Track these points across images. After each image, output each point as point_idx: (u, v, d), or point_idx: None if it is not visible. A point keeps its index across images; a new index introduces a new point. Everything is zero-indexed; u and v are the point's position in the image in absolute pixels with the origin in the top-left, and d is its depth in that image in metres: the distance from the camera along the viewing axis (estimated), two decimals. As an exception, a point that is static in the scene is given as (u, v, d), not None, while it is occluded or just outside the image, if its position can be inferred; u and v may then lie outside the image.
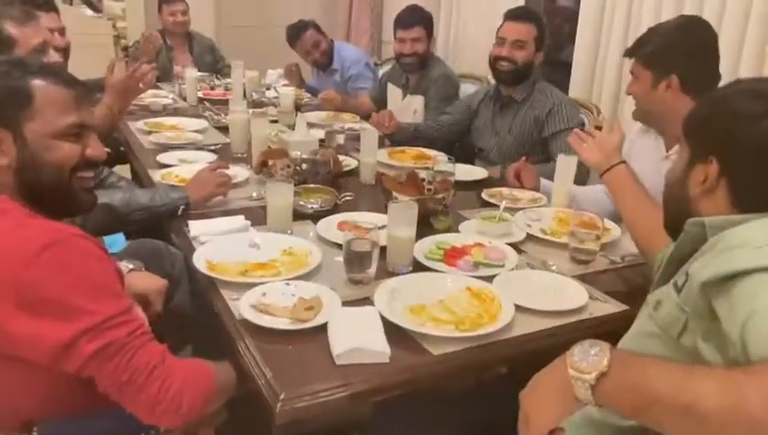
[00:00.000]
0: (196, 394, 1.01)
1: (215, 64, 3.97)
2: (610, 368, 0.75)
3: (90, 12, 5.86)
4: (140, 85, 2.09)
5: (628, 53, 1.72)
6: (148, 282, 1.34)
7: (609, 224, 1.59)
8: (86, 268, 0.96)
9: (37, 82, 1.02)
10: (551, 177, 1.92)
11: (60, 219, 1.07)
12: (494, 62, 2.35)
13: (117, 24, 6.93)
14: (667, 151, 1.71)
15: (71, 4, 6.22)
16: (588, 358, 0.78)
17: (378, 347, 1.07)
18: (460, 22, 3.53)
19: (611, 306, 1.30)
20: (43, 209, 1.04)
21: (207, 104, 2.89)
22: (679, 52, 1.61)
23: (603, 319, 1.26)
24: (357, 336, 1.08)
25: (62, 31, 2.15)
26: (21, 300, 0.92)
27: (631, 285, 1.43)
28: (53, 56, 1.71)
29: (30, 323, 0.92)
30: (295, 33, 3.50)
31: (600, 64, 2.69)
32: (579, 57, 2.78)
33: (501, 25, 2.36)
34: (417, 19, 2.81)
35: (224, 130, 2.52)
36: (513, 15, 2.35)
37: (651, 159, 1.75)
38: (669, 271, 0.94)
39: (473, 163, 2.57)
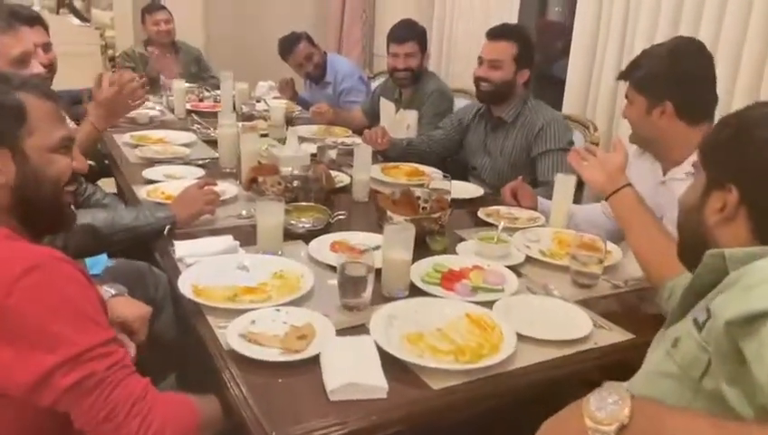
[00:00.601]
0: (177, 432, 0.94)
1: (200, 75, 3.91)
2: (632, 419, 0.69)
3: (77, 21, 5.79)
4: (130, 102, 2.02)
5: (622, 76, 1.68)
6: (132, 309, 1.27)
7: (610, 246, 1.54)
8: (67, 295, 0.91)
9: (26, 97, 1.00)
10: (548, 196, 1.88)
11: (47, 235, 1.05)
12: (474, 82, 2.31)
13: (105, 34, 6.86)
14: (664, 175, 1.67)
15: (57, 13, 6.15)
16: (606, 407, 0.72)
17: (375, 382, 1.01)
18: (453, 36, 3.50)
19: (617, 335, 1.25)
20: (31, 227, 1.01)
21: (196, 117, 2.82)
22: (672, 78, 1.56)
23: (609, 349, 1.21)
24: (352, 370, 1.02)
25: (46, 46, 2.06)
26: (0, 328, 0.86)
27: (636, 312, 1.38)
28: (36, 67, 1.64)
29: (5, 352, 0.86)
30: (288, 45, 3.45)
31: (594, 81, 2.65)
32: (573, 73, 2.74)
33: (482, 45, 2.32)
34: (410, 34, 2.76)
35: (212, 143, 2.45)
36: (490, 34, 2.30)
37: (648, 182, 1.70)
38: (686, 304, 0.89)
39: (466, 180, 2.53)
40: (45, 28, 2.06)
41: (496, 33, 2.28)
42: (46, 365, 0.86)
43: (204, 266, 1.38)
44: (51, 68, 2.03)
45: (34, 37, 1.99)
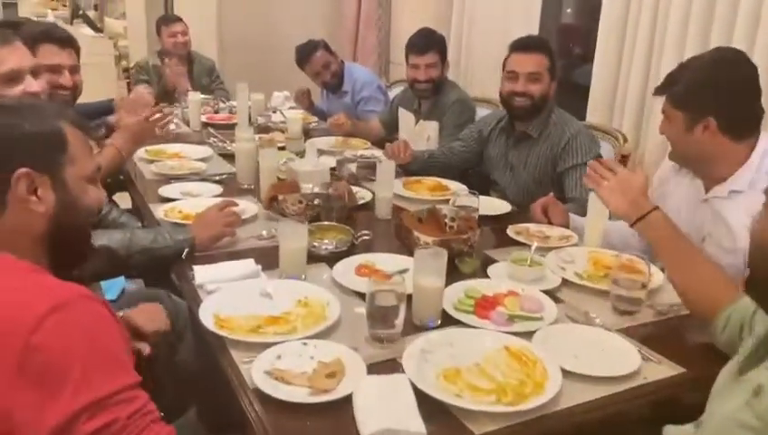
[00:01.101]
0: None
1: (210, 86, 3.86)
2: None
3: (90, 31, 5.79)
4: (156, 131, 1.98)
5: (658, 91, 1.57)
6: (148, 323, 1.24)
7: (652, 268, 1.45)
8: (93, 335, 0.87)
9: (66, 126, 0.99)
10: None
11: (74, 268, 1.03)
12: (507, 98, 2.17)
13: (118, 43, 6.87)
14: (706, 193, 1.58)
15: (71, 23, 6.16)
16: None
17: (413, 427, 0.93)
18: (471, 43, 3.43)
19: (667, 368, 1.16)
20: (57, 258, 0.99)
21: (212, 130, 2.76)
22: (714, 92, 1.46)
23: (659, 384, 1.13)
24: (389, 413, 0.94)
25: (73, 69, 2.05)
26: (23, 369, 0.81)
27: (684, 341, 1.29)
28: (32, 86, 1.57)
29: (30, 394, 0.81)
30: (305, 53, 3.38)
31: (621, 87, 2.56)
32: (597, 80, 2.66)
33: (508, 57, 2.19)
34: (430, 44, 2.68)
35: (229, 157, 2.39)
36: (522, 47, 2.17)
37: (688, 200, 1.62)
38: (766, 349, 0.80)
39: (488, 194, 2.45)
40: (77, 51, 2.06)
41: (530, 46, 2.17)
42: (70, 409, 0.81)
43: (225, 294, 1.31)
44: (75, 90, 2.05)
45: (64, 59, 2.00)
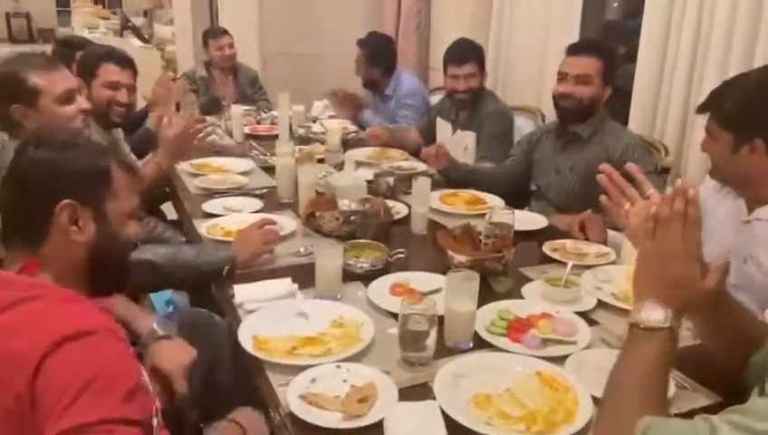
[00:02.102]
0: None
1: (253, 96, 3.95)
2: None
3: (139, 42, 5.99)
4: (195, 142, 2.07)
5: (702, 109, 1.53)
6: (172, 358, 1.26)
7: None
8: (100, 366, 0.86)
9: (112, 163, 1.06)
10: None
11: (110, 294, 1.11)
12: (556, 99, 2.21)
13: (166, 48, 7.10)
14: (749, 214, 1.54)
15: (121, 35, 6.40)
16: None
17: (441, 457, 0.95)
18: (510, 51, 3.41)
19: (702, 397, 1.15)
20: (94, 285, 1.04)
21: (254, 143, 2.83)
22: (763, 113, 1.42)
23: (694, 414, 1.11)
24: (418, 442, 0.97)
25: (131, 88, 2.22)
26: (34, 386, 0.83)
27: (719, 368, 1.26)
28: (83, 103, 1.69)
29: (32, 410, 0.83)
30: (361, 42, 3.47)
31: (663, 97, 2.51)
32: (639, 88, 2.60)
33: (563, 60, 2.22)
34: (469, 54, 2.69)
35: (270, 170, 2.45)
36: (574, 49, 2.20)
37: (730, 219, 1.59)
38: None
39: (528, 202, 2.44)
40: (134, 72, 2.20)
41: (581, 48, 2.20)
42: (58, 428, 0.81)
43: (264, 314, 1.36)
44: (129, 108, 2.21)
45: (122, 78, 2.18)
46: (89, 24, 6.93)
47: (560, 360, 1.22)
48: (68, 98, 1.67)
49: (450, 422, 1.03)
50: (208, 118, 3.49)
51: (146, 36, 6.44)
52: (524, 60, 3.31)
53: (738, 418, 0.76)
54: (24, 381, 0.82)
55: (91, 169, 1.02)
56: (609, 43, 3.37)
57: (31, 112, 1.62)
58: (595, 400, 1.09)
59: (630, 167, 1.13)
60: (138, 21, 10.31)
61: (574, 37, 3.01)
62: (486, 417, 1.06)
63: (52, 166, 1.00)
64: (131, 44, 5.64)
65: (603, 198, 1.19)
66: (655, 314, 0.87)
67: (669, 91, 2.45)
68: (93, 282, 1.05)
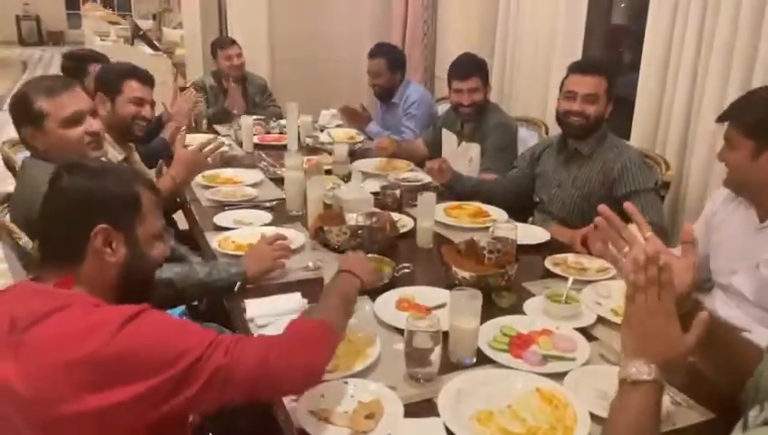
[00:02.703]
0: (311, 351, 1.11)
1: (263, 103, 4.01)
2: None
3: (149, 50, 6.08)
4: (209, 160, 2.14)
5: (724, 117, 1.59)
6: None
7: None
8: (169, 325, 1.03)
9: (141, 189, 1.14)
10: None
11: None
12: (563, 116, 2.24)
13: (175, 52, 7.19)
14: (761, 222, 1.59)
15: (132, 44, 6.49)
16: None
17: (444, 473, 1.00)
18: (515, 61, 3.46)
19: (697, 414, 1.19)
20: (123, 302, 1.08)
21: (263, 154, 2.89)
22: None
23: (689, 431, 1.16)
24: (422, 458, 1.02)
25: (152, 103, 2.34)
26: (102, 377, 0.93)
27: (714, 386, 1.30)
28: (92, 125, 1.73)
29: (132, 389, 0.94)
30: (371, 53, 3.51)
31: (665, 112, 2.54)
32: (641, 102, 2.63)
33: (566, 78, 2.26)
34: (473, 69, 2.74)
35: (279, 181, 2.51)
36: (581, 68, 2.24)
37: (742, 228, 1.64)
38: None
39: (531, 213, 2.48)
40: (153, 87, 2.33)
41: (589, 68, 2.24)
42: (178, 368, 0.96)
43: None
44: (150, 122, 2.33)
45: (145, 94, 2.28)
46: (99, 32, 7.02)
47: (559, 376, 1.27)
48: (75, 120, 1.70)
49: (453, 438, 1.08)
50: (218, 127, 3.60)
51: (155, 42, 6.51)
52: (529, 71, 3.36)
53: None
54: (103, 373, 0.93)
55: (123, 196, 1.11)
56: (613, 50, 3.44)
57: (38, 134, 1.67)
58: (593, 416, 1.14)
59: (629, 208, 1.14)
60: (146, 24, 10.42)
61: (578, 49, 3.06)
62: (489, 433, 1.11)
63: (87, 193, 1.09)
64: (142, 52, 5.72)
65: (598, 245, 1.20)
66: (641, 370, 0.94)
67: (671, 105, 2.49)
68: (121, 297, 1.11)
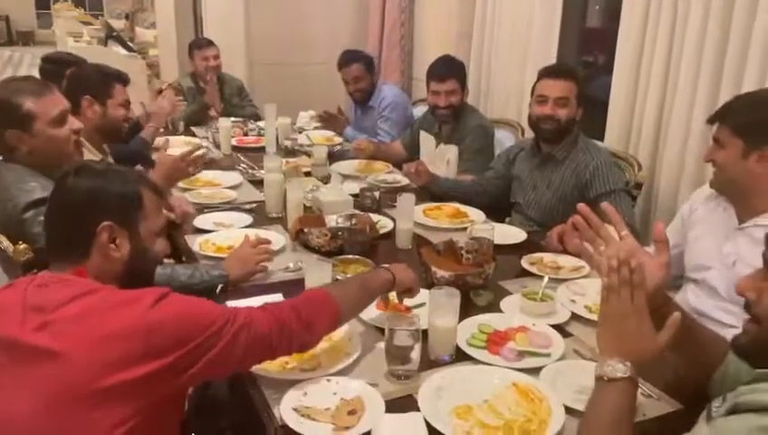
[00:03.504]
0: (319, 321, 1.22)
1: (240, 104, 4.01)
2: None
3: (123, 51, 6.01)
4: (190, 169, 2.14)
5: (715, 118, 1.63)
6: None
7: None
8: (194, 302, 1.11)
9: (143, 189, 1.19)
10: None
11: None
12: (536, 121, 2.29)
13: (149, 52, 7.12)
14: (740, 223, 1.65)
15: (105, 45, 6.41)
16: None
17: (425, 465, 1.03)
18: (491, 71, 3.52)
19: (665, 405, 1.24)
20: None
21: (241, 157, 2.90)
22: None
23: (657, 421, 1.20)
24: (403, 452, 1.05)
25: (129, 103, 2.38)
26: (136, 350, 0.99)
27: (682, 379, 1.36)
28: (74, 123, 1.75)
29: (165, 361, 1.01)
30: (345, 60, 3.52)
31: (637, 115, 2.61)
32: (614, 105, 2.71)
33: (537, 82, 2.31)
34: (450, 71, 2.78)
35: (258, 184, 2.53)
36: (552, 73, 2.29)
37: (721, 227, 1.69)
38: None
39: (508, 213, 2.53)
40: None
41: (559, 72, 2.29)
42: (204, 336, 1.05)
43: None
44: (129, 120, 2.38)
45: (128, 96, 2.32)
46: (72, 32, 6.92)
47: (535, 371, 1.31)
48: (61, 120, 1.73)
49: (434, 432, 1.11)
50: (195, 129, 3.59)
51: (129, 43, 6.44)
52: (505, 73, 3.41)
53: None
54: (143, 345, 0.99)
55: (126, 195, 1.17)
56: (587, 53, 3.52)
57: (26, 136, 1.67)
58: (567, 409, 1.18)
59: (606, 208, 1.19)
60: (119, 24, 10.30)
61: (552, 52, 3.12)
62: (467, 427, 1.14)
63: (91, 192, 1.14)
64: (116, 53, 5.65)
65: (575, 241, 1.24)
66: (616, 368, 0.99)
67: (643, 107, 2.56)
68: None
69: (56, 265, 1.14)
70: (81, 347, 0.98)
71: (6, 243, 1.48)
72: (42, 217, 1.48)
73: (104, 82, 2.27)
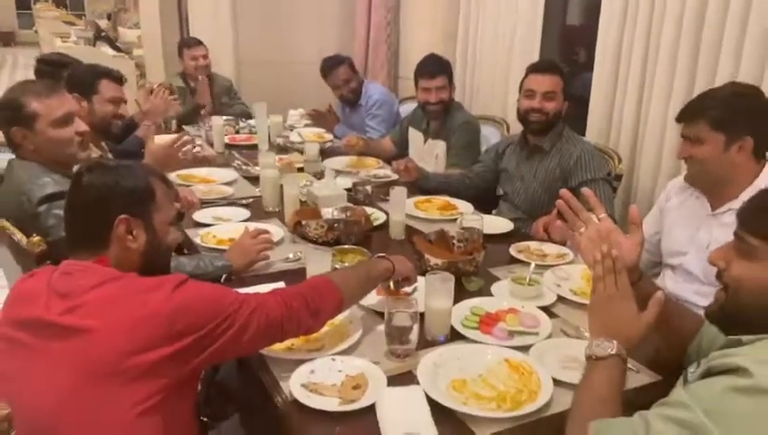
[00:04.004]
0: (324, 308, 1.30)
1: (230, 103, 4.07)
2: None
3: (111, 51, 6.03)
4: (180, 156, 2.19)
5: (691, 117, 1.70)
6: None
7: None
8: (210, 287, 1.20)
9: (154, 181, 1.26)
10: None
11: None
12: (524, 114, 2.39)
13: (134, 52, 7.13)
14: (714, 210, 1.75)
15: (94, 45, 6.41)
16: None
17: (427, 431, 1.12)
18: (476, 70, 3.61)
19: (644, 377, 1.34)
20: None
21: (235, 154, 2.97)
22: (752, 115, 1.64)
23: (637, 392, 1.30)
24: (407, 421, 1.13)
25: (125, 102, 2.46)
26: (161, 332, 1.07)
27: (659, 352, 1.46)
28: (80, 126, 1.80)
29: (185, 340, 1.09)
30: (329, 66, 3.61)
31: (617, 111, 2.73)
32: (595, 101, 2.82)
33: (525, 78, 2.41)
34: (439, 68, 2.88)
35: (253, 180, 2.60)
36: (539, 68, 2.40)
37: (695, 215, 1.80)
38: None
39: (495, 205, 2.63)
40: (122, 86, 2.45)
41: (547, 67, 2.41)
42: (215, 322, 1.13)
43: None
44: (121, 117, 2.44)
45: (119, 93, 2.40)
46: (59, 33, 6.91)
47: (525, 349, 1.41)
48: (65, 121, 1.78)
49: (432, 403, 1.20)
50: (187, 128, 3.64)
51: (119, 46, 6.46)
52: (490, 71, 3.52)
53: (667, 410, 0.93)
54: (166, 327, 1.07)
55: (139, 188, 1.23)
56: (569, 50, 3.63)
57: (29, 134, 1.74)
58: (555, 381, 1.28)
59: (586, 192, 1.30)
60: (101, 24, 10.26)
61: (535, 50, 3.23)
62: (463, 398, 1.24)
63: (106, 188, 1.21)
64: (104, 53, 5.67)
65: (558, 222, 1.35)
66: (605, 347, 1.09)
67: (623, 104, 2.68)
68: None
69: (78, 255, 1.21)
70: (109, 327, 1.06)
71: (20, 235, 1.54)
72: (55, 211, 1.57)
73: (90, 78, 2.33)
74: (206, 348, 1.12)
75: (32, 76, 2.76)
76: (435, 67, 2.88)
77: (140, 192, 1.24)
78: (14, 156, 1.79)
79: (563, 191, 1.30)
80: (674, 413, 0.89)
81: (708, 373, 0.95)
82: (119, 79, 2.39)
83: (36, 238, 1.51)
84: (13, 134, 1.74)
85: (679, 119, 1.76)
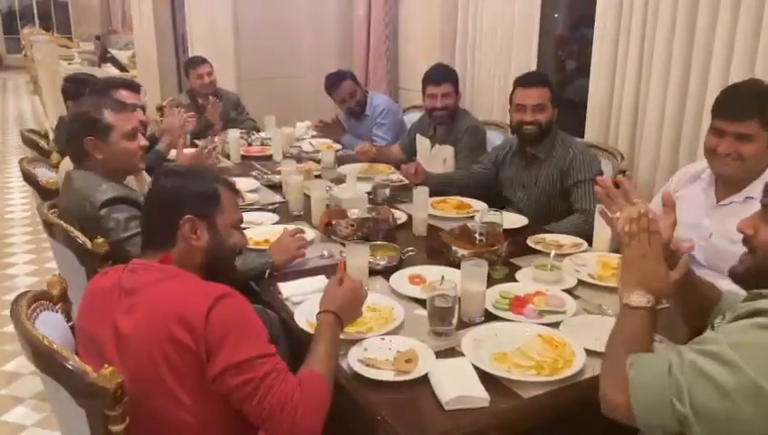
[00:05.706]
0: (319, 415, 1.20)
1: (237, 118, 4.19)
2: None
3: (116, 71, 6.14)
4: (210, 162, 2.33)
5: (741, 114, 1.75)
6: None
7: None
8: (246, 315, 1.22)
9: (220, 186, 1.37)
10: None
11: None
12: (517, 126, 2.53)
13: (130, 73, 7.24)
14: (718, 201, 1.88)
15: (99, 66, 6.52)
16: None
17: (479, 393, 1.25)
18: (476, 77, 3.77)
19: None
20: (212, 280, 1.29)
21: (255, 163, 3.10)
22: None
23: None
24: (459, 385, 1.26)
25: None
26: (200, 340, 1.14)
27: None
28: (142, 141, 1.94)
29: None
30: (334, 81, 3.75)
31: (615, 110, 2.89)
32: (593, 102, 2.98)
33: (514, 92, 2.55)
34: (446, 76, 3.04)
35: (274, 187, 2.73)
36: (526, 82, 2.53)
37: (701, 205, 1.93)
38: None
39: (504, 209, 2.77)
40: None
41: (534, 81, 2.54)
42: (224, 364, 1.14)
43: (311, 304, 1.62)
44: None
45: (136, 101, 2.49)
46: (64, 56, 7.02)
47: (555, 325, 1.54)
48: (133, 135, 1.94)
49: (478, 372, 1.33)
50: (199, 142, 3.76)
51: (124, 66, 6.58)
52: (488, 79, 3.67)
53: (698, 345, 1.06)
54: (199, 333, 1.13)
55: (205, 192, 1.35)
56: (565, 55, 3.81)
57: (102, 145, 1.87)
58: (587, 351, 1.41)
59: (620, 180, 1.37)
60: (88, 46, 10.36)
61: (533, 55, 3.38)
62: (505, 368, 1.37)
63: (176, 190, 1.33)
64: (110, 73, 5.79)
65: (600, 207, 1.44)
66: (639, 298, 1.17)
67: (620, 106, 2.84)
68: (207, 277, 1.32)
69: (148, 253, 1.33)
70: (147, 326, 1.17)
71: (84, 238, 1.65)
72: (114, 215, 1.70)
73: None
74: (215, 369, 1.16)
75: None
76: (441, 74, 3.04)
77: (206, 195, 1.35)
78: (53, 174, 1.92)
79: (600, 178, 1.43)
80: (705, 347, 1.02)
81: (735, 319, 1.07)
82: (137, 87, 2.55)
83: (101, 240, 1.62)
84: (86, 143, 1.86)
85: (727, 115, 1.78)
